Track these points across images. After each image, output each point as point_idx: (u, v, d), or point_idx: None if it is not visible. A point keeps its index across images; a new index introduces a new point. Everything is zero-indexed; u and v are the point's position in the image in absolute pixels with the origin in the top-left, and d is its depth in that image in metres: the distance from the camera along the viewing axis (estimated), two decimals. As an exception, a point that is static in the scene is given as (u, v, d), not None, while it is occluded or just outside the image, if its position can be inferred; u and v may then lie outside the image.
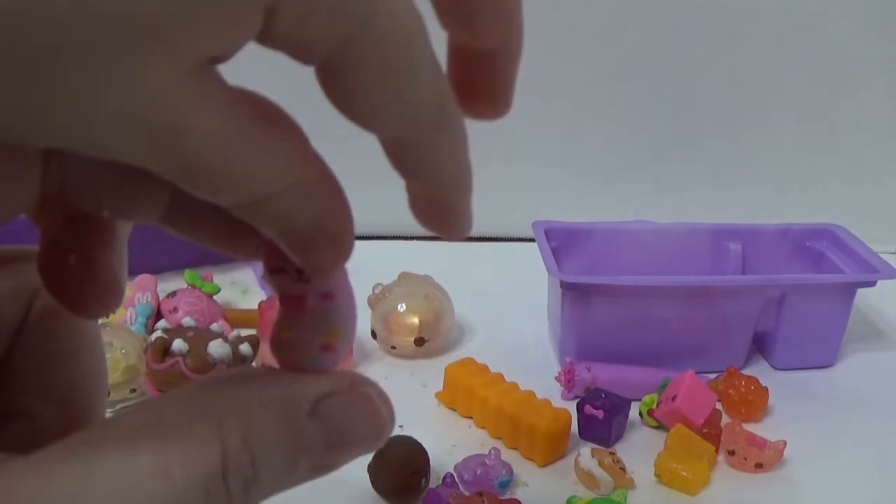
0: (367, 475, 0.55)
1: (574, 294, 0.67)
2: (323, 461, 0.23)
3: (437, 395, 0.66)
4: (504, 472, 0.57)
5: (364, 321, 0.72)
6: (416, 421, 0.63)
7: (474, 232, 0.94)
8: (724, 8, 0.88)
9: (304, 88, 0.90)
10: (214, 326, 0.64)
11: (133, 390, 0.64)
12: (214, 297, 0.74)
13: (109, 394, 0.63)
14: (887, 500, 0.58)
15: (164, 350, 0.60)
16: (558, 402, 0.64)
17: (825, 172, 0.94)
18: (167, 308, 0.72)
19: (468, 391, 0.63)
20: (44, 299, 0.25)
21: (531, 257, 0.72)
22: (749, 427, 0.61)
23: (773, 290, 0.68)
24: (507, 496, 0.55)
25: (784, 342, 0.70)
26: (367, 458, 0.55)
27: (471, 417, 0.64)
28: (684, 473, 0.57)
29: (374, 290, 0.74)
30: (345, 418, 0.23)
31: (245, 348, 0.62)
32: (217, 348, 0.60)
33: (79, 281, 0.23)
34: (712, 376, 0.67)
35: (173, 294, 0.73)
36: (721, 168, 0.95)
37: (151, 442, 0.19)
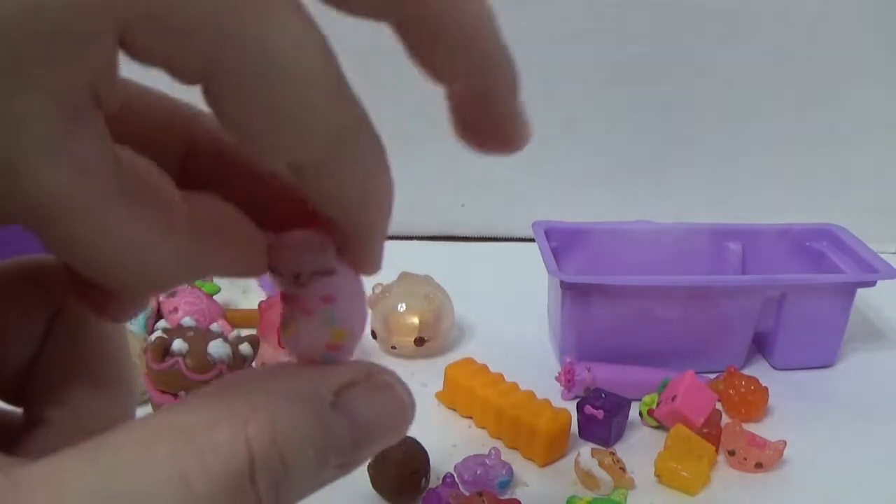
0: (367, 475, 0.55)
1: (574, 294, 0.67)
2: (351, 456, 0.22)
3: (437, 395, 0.66)
4: (504, 472, 0.57)
5: (364, 321, 0.72)
6: (416, 421, 0.63)
7: (474, 232, 0.95)
8: (724, 9, 0.88)
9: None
10: (214, 326, 0.64)
11: (133, 390, 0.64)
12: (214, 297, 0.74)
13: (109, 394, 0.63)
14: (887, 500, 0.58)
15: (164, 350, 0.60)
16: (558, 402, 0.64)
17: (825, 172, 0.94)
18: (167, 308, 0.72)
19: (468, 391, 0.63)
20: (69, 307, 0.24)
21: (531, 257, 0.72)
22: (749, 427, 0.61)
23: (773, 290, 0.68)
24: (507, 496, 0.55)
25: (784, 342, 0.70)
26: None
27: (471, 417, 0.64)
28: (684, 473, 0.57)
29: (374, 290, 0.74)
30: (368, 408, 0.22)
31: (245, 348, 0.62)
32: (217, 348, 0.60)
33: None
34: (712, 376, 0.67)
35: (173, 294, 0.73)
36: (721, 168, 0.95)
37: (170, 446, 0.18)
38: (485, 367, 0.65)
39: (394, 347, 0.72)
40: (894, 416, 0.66)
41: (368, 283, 0.77)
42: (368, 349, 0.73)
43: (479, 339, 0.76)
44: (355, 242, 0.24)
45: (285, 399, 0.20)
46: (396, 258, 0.80)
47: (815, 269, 0.76)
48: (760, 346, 0.73)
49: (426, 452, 0.55)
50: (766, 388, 0.65)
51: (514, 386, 0.63)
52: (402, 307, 0.72)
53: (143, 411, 0.64)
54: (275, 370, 0.23)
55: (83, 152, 0.17)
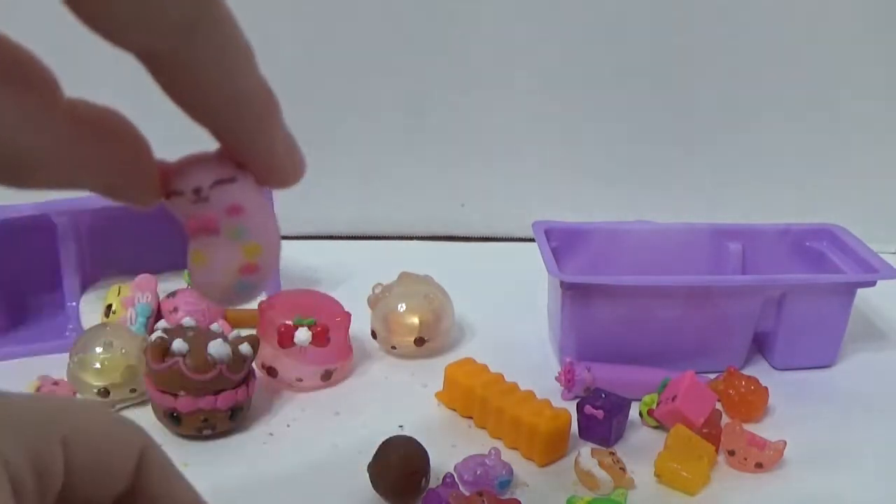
0: (367, 475, 0.55)
1: (574, 294, 0.67)
2: None
3: (437, 395, 0.66)
4: (504, 472, 0.57)
5: (364, 321, 0.72)
6: (416, 421, 0.63)
7: (474, 232, 0.95)
8: (724, 8, 0.88)
9: (307, 95, 0.90)
10: (214, 326, 0.64)
11: (133, 390, 0.64)
12: (214, 297, 0.74)
13: (109, 394, 0.63)
14: (887, 500, 0.58)
15: (164, 350, 0.60)
16: (558, 402, 0.64)
17: (825, 172, 0.94)
18: (167, 308, 0.72)
19: (468, 391, 0.63)
20: (153, 451, 0.28)
21: (531, 257, 0.72)
22: (749, 427, 0.61)
23: (773, 290, 0.68)
24: (507, 496, 0.55)
25: (784, 342, 0.70)
26: (368, 458, 0.55)
27: (471, 417, 0.64)
28: (684, 473, 0.57)
29: (374, 290, 0.74)
30: None
31: (245, 348, 0.62)
32: (217, 348, 0.60)
33: None
34: (712, 376, 0.67)
35: (173, 294, 0.73)
36: (721, 168, 0.95)
37: None
38: (485, 367, 0.65)
39: (394, 347, 0.72)
40: (894, 416, 0.66)
41: (368, 282, 0.78)
42: (368, 349, 0.73)
43: (479, 339, 0.76)
44: (242, 148, 0.24)
45: None
46: (396, 258, 0.81)
47: (815, 269, 0.76)
48: (760, 346, 0.73)
49: (426, 452, 0.55)
50: (766, 388, 0.65)
51: (514, 386, 0.63)
52: (402, 307, 0.72)
53: (143, 411, 0.64)
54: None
55: None
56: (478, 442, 0.61)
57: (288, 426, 0.63)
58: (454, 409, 0.65)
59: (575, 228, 0.76)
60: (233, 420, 0.61)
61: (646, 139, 0.94)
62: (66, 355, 0.64)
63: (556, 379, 0.67)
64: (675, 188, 0.95)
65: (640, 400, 0.64)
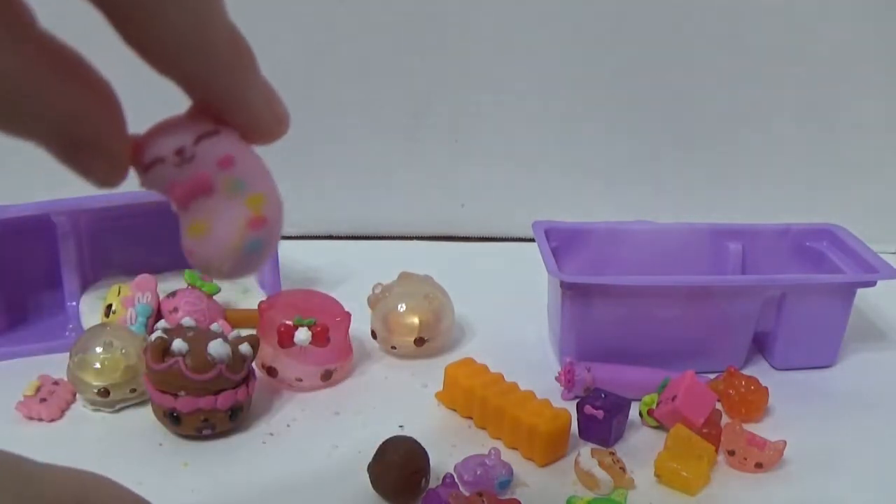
0: (367, 475, 0.55)
1: (574, 294, 0.67)
2: None
3: (437, 395, 0.66)
4: (504, 472, 0.57)
5: (364, 321, 0.72)
6: (416, 421, 0.63)
7: (474, 232, 0.95)
8: (724, 8, 0.88)
9: (307, 95, 0.90)
10: (214, 326, 0.64)
11: (133, 390, 0.64)
12: (214, 297, 0.74)
13: (109, 394, 0.63)
14: (887, 500, 0.58)
15: (164, 350, 0.60)
16: (558, 402, 0.64)
17: (825, 172, 0.94)
18: (167, 308, 0.72)
19: (468, 391, 0.63)
20: None
21: (531, 257, 0.72)
22: (749, 427, 0.61)
23: (773, 290, 0.68)
24: (507, 496, 0.55)
25: (784, 342, 0.70)
26: (368, 458, 0.55)
27: (471, 417, 0.64)
28: (684, 473, 0.57)
29: (374, 290, 0.74)
30: None
31: (245, 348, 0.62)
32: (217, 348, 0.60)
33: None
34: (712, 376, 0.67)
35: (173, 294, 0.73)
36: (721, 168, 0.95)
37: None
38: (485, 367, 0.65)
39: (394, 347, 0.72)
40: (894, 416, 0.66)
41: (368, 283, 0.78)
42: (368, 349, 0.73)
43: (479, 339, 0.76)
44: (216, 100, 0.22)
45: None
46: (396, 258, 0.81)
47: (815, 269, 0.76)
48: (760, 346, 0.73)
49: (426, 452, 0.55)
50: (766, 388, 0.65)
51: (514, 386, 0.63)
52: (402, 307, 0.72)
53: (143, 411, 0.64)
54: None
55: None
56: (478, 442, 0.61)
57: (288, 426, 0.63)
58: (454, 409, 0.65)
59: (575, 228, 0.76)
60: (233, 420, 0.61)
61: (646, 139, 0.94)
62: (66, 355, 0.64)
63: (556, 379, 0.67)
64: (675, 188, 0.95)
65: (640, 400, 0.64)
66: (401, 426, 0.63)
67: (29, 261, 0.75)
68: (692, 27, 0.89)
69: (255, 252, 0.22)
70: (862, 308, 0.80)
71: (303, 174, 0.94)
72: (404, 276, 0.75)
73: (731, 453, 0.59)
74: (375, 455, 0.55)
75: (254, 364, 0.65)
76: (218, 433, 0.61)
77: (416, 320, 0.71)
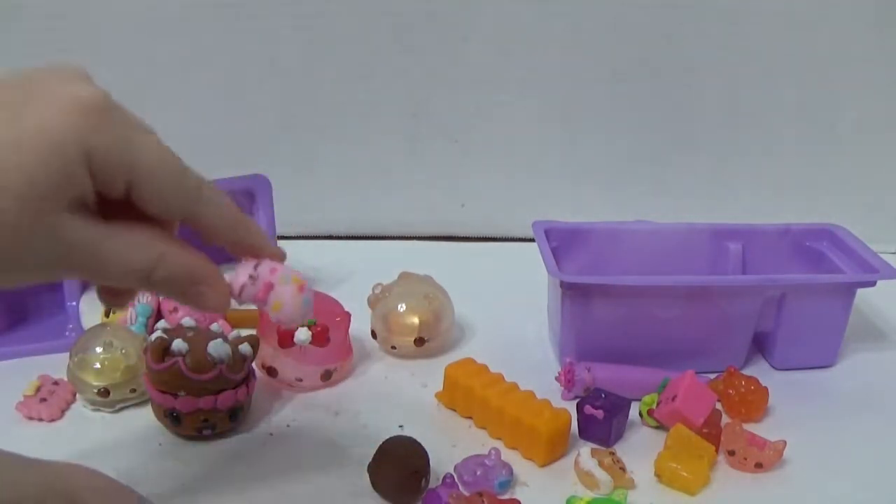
0: (367, 475, 0.55)
1: (574, 294, 0.67)
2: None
3: (437, 395, 0.66)
4: (504, 472, 0.57)
5: (364, 321, 0.72)
6: (416, 421, 0.63)
7: (474, 232, 0.95)
8: (724, 9, 0.88)
9: (307, 95, 0.90)
10: (214, 326, 0.64)
11: (133, 390, 0.64)
12: (214, 297, 0.74)
13: (109, 394, 0.63)
14: (887, 500, 0.58)
15: (164, 350, 0.60)
16: (558, 402, 0.64)
17: (825, 172, 0.94)
18: (167, 308, 0.72)
19: (468, 391, 0.63)
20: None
21: (531, 257, 0.72)
22: (749, 427, 0.61)
23: (773, 290, 0.68)
24: (507, 496, 0.55)
25: (784, 342, 0.70)
26: (368, 458, 0.55)
27: (471, 417, 0.64)
28: (684, 473, 0.57)
29: (374, 290, 0.74)
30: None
31: (245, 348, 0.62)
32: (217, 348, 0.60)
33: None
34: (712, 376, 0.67)
35: (173, 294, 0.73)
36: (721, 168, 0.95)
37: None
38: (485, 367, 0.65)
39: (394, 347, 0.72)
40: (894, 416, 0.66)
41: (368, 283, 0.77)
42: (369, 349, 0.73)
43: (479, 339, 0.76)
44: (250, 248, 0.43)
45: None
46: (396, 258, 0.81)
47: (815, 269, 0.76)
48: (760, 346, 0.73)
49: (426, 452, 0.55)
50: (766, 388, 0.65)
51: (514, 386, 0.63)
52: (402, 307, 0.72)
53: (143, 411, 0.64)
54: None
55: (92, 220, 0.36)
56: (478, 442, 0.61)
57: (288, 426, 0.63)
58: (454, 409, 0.65)
59: (575, 228, 0.76)
60: (233, 420, 0.61)
61: (645, 139, 0.94)
62: (66, 355, 0.64)
63: (556, 379, 0.67)
64: (675, 188, 0.95)
65: (640, 400, 0.64)
66: (401, 426, 0.63)
67: (29, 261, 0.75)
68: (692, 27, 0.89)
69: (308, 304, 0.44)
70: (862, 308, 0.80)
71: (303, 174, 0.94)
72: (404, 276, 0.75)
73: (731, 453, 0.59)
74: (375, 455, 0.55)
75: (254, 364, 0.65)
76: (218, 433, 0.61)
77: (416, 320, 0.71)
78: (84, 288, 0.76)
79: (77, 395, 0.65)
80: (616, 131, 0.94)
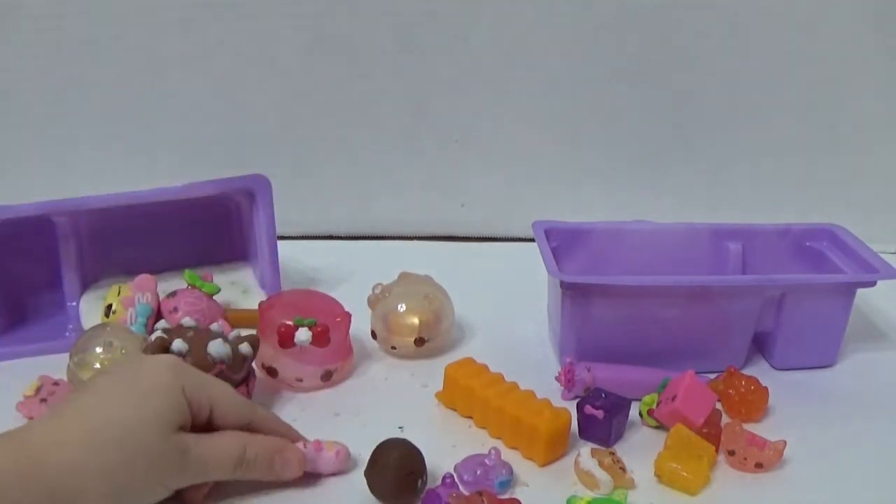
0: (363, 479, 0.55)
1: (574, 294, 0.67)
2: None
3: (437, 395, 0.66)
4: (504, 472, 0.57)
5: (364, 321, 0.72)
6: (416, 421, 0.63)
7: (474, 232, 0.96)
8: (724, 8, 0.88)
9: (308, 95, 0.90)
10: (214, 326, 0.64)
11: (133, 390, 0.64)
12: (214, 297, 0.74)
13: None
14: (887, 500, 0.58)
15: (164, 350, 0.60)
16: (558, 402, 0.64)
17: (825, 172, 0.94)
18: (167, 308, 0.72)
19: (468, 391, 0.63)
20: (258, 412, 0.57)
21: (531, 257, 0.72)
22: (749, 427, 0.61)
23: (773, 290, 0.68)
24: (507, 496, 0.55)
25: (784, 342, 0.70)
26: (364, 463, 0.56)
27: (471, 417, 0.64)
28: (684, 473, 0.57)
29: (374, 290, 0.74)
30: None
31: (245, 348, 0.62)
32: (217, 348, 0.60)
33: None
34: (712, 376, 0.67)
35: (173, 294, 0.73)
36: (721, 168, 0.95)
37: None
38: (485, 367, 0.65)
39: (394, 347, 0.72)
40: (894, 416, 0.66)
41: (368, 282, 0.77)
42: (369, 349, 0.73)
43: (479, 339, 0.76)
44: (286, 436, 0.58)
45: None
46: (396, 258, 0.81)
47: (815, 269, 0.76)
48: (760, 346, 0.73)
49: (420, 453, 0.55)
50: (766, 388, 0.65)
51: (514, 386, 0.63)
52: (402, 307, 0.72)
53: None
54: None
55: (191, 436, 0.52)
56: (478, 442, 0.61)
57: (288, 426, 0.63)
58: (454, 409, 0.65)
59: (575, 228, 0.76)
60: (233, 420, 0.61)
61: (646, 139, 0.94)
62: (66, 355, 0.64)
63: (556, 379, 0.67)
64: (675, 188, 0.95)
65: (640, 400, 0.64)
66: (401, 427, 0.63)
67: (29, 261, 0.75)
68: (692, 27, 0.89)
69: (347, 457, 0.59)
70: (862, 308, 0.80)
71: (303, 174, 0.95)
72: (404, 276, 0.75)
73: (731, 453, 0.59)
74: (371, 459, 0.55)
75: (254, 364, 0.65)
76: (218, 433, 0.61)
77: (416, 320, 0.71)
78: (84, 288, 0.76)
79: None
80: (616, 131, 0.94)
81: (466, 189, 0.96)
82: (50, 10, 0.87)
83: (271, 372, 0.67)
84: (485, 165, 0.95)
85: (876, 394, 0.69)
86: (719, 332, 0.69)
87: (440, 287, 0.74)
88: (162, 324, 0.64)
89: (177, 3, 0.87)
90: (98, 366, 0.63)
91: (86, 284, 0.76)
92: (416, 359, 0.72)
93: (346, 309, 0.70)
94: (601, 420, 0.61)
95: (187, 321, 0.64)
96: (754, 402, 0.64)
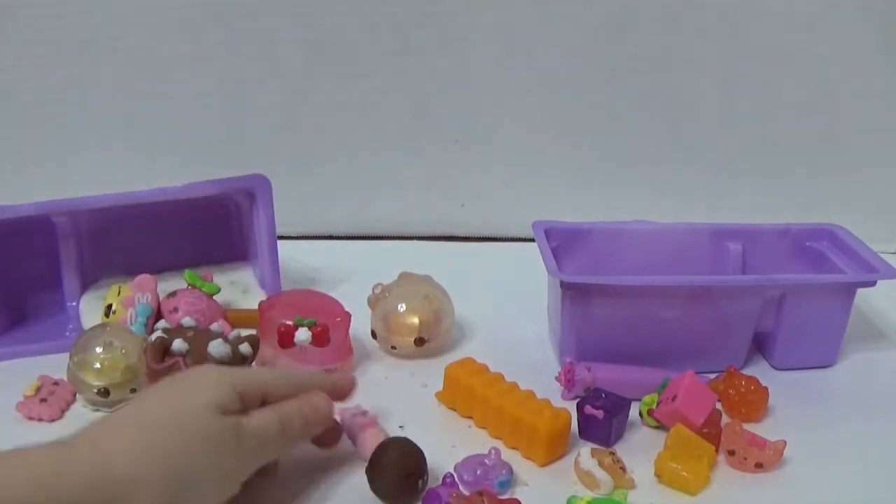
0: (364, 478, 0.55)
1: (574, 294, 0.67)
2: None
3: (437, 395, 0.66)
4: (504, 471, 0.57)
5: (364, 321, 0.72)
6: (416, 421, 0.63)
7: (474, 232, 0.96)
8: (724, 8, 0.88)
9: (308, 95, 0.90)
10: (214, 326, 0.64)
11: (133, 390, 0.64)
12: (214, 297, 0.74)
13: (109, 394, 0.63)
14: (887, 500, 0.58)
15: (164, 350, 0.60)
16: (558, 402, 0.64)
17: (825, 172, 0.94)
18: (167, 308, 0.72)
19: (468, 391, 0.63)
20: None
21: (531, 257, 0.72)
22: (749, 427, 0.61)
23: (773, 290, 0.68)
24: (507, 496, 0.55)
25: (784, 342, 0.70)
26: (365, 462, 0.56)
27: (471, 417, 0.64)
28: (684, 473, 0.57)
29: (374, 290, 0.74)
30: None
31: (245, 348, 0.62)
32: (217, 348, 0.60)
33: None
34: (712, 376, 0.67)
35: (173, 294, 0.73)
36: (721, 168, 0.95)
37: None
38: (485, 367, 0.65)
39: (394, 347, 0.72)
40: (894, 416, 0.66)
41: (369, 282, 0.77)
42: (369, 349, 0.73)
43: (479, 339, 0.76)
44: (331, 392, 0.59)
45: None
46: (396, 258, 0.81)
47: (815, 269, 0.76)
48: (760, 346, 0.73)
49: (422, 453, 0.55)
50: (766, 388, 0.65)
51: (514, 386, 0.63)
52: (402, 307, 0.72)
53: (143, 411, 0.63)
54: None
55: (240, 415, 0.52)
56: (478, 442, 0.61)
57: (288, 426, 0.63)
58: (454, 409, 0.65)
59: (575, 228, 0.76)
60: (233, 420, 0.61)
61: (646, 139, 0.94)
62: (66, 355, 0.64)
63: (556, 379, 0.67)
64: (675, 188, 0.95)
65: (640, 400, 0.64)
66: (401, 426, 0.63)
67: (29, 261, 0.75)
68: (692, 27, 0.89)
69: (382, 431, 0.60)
70: (862, 308, 0.80)
71: (303, 174, 0.95)
72: (404, 276, 0.75)
73: (731, 453, 0.59)
74: (372, 458, 0.55)
75: (254, 364, 0.65)
76: (218, 433, 0.61)
77: (416, 320, 0.71)
78: (84, 288, 0.76)
79: (77, 395, 0.65)
80: (616, 131, 0.94)
81: (466, 189, 0.96)
82: (50, 10, 0.87)
83: (271, 372, 0.67)
84: (485, 165, 0.95)
85: (876, 394, 0.69)
86: (719, 332, 0.69)
87: (440, 287, 0.74)
88: (162, 324, 0.64)
89: (177, 3, 0.87)
90: (98, 366, 0.63)
91: (86, 284, 0.76)
92: (416, 359, 0.72)
93: (346, 309, 0.70)
94: (601, 420, 0.61)
95: (187, 321, 0.64)
96: (754, 402, 0.64)
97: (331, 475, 0.58)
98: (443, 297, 0.74)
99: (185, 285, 0.74)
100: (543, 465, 0.59)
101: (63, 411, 0.64)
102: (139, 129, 0.92)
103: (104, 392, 0.63)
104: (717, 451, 0.59)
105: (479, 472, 0.56)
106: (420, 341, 0.71)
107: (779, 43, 0.89)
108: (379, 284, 0.74)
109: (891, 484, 0.59)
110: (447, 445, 0.61)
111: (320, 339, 0.66)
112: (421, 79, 0.91)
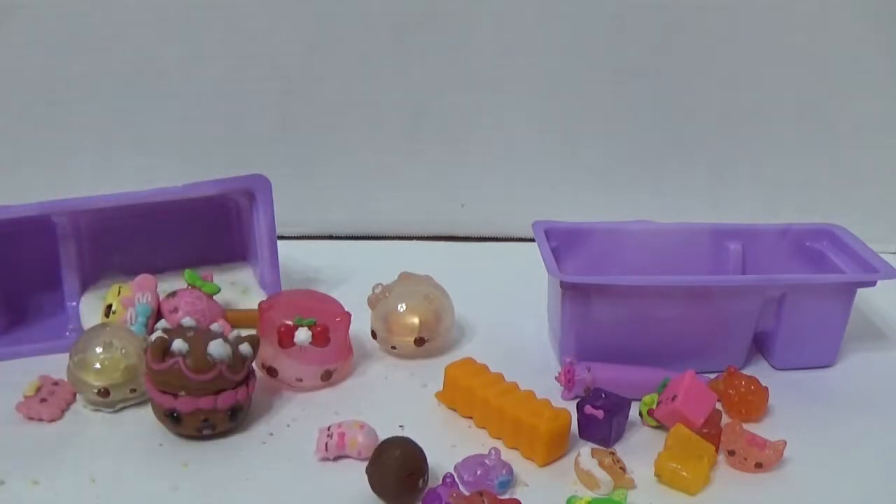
0: (365, 477, 0.55)
1: (574, 294, 0.67)
2: None
3: (437, 395, 0.66)
4: (504, 471, 0.57)
5: (364, 321, 0.72)
6: (416, 421, 0.63)
7: (474, 232, 0.96)
8: (723, 8, 0.88)
9: (308, 95, 0.90)
10: (214, 326, 0.64)
11: (133, 390, 0.64)
12: (214, 297, 0.74)
13: (109, 394, 0.63)
14: (887, 500, 0.58)
15: (164, 350, 0.60)
16: (558, 402, 0.64)
17: (825, 172, 0.94)
18: (167, 308, 0.72)
19: (468, 391, 0.63)
20: None
21: (531, 257, 0.72)
22: (749, 427, 0.61)
23: (773, 290, 0.68)
24: (507, 496, 0.55)
25: (784, 342, 0.70)
26: (366, 461, 0.56)
27: (471, 417, 0.64)
28: (684, 473, 0.57)
29: (374, 290, 0.74)
30: None
31: (245, 348, 0.62)
32: (217, 348, 0.60)
33: None
34: (712, 376, 0.67)
35: (173, 294, 0.73)
36: (721, 168, 0.95)
37: None
38: (485, 367, 0.65)
39: (394, 347, 0.72)
40: (894, 416, 0.66)
41: (369, 283, 0.77)
42: (369, 349, 0.73)
43: (479, 339, 0.76)
44: None
45: None
46: (396, 258, 0.81)
47: (815, 269, 0.76)
48: (760, 346, 0.73)
49: (423, 453, 0.55)
50: (766, 388, 0.65)
51: (514, 386, 0.63)
52: (402, 307, 0.72)
53: (143, 411, 0.64)
54: None
55: None
56: (478, 442, 0.61)
57: (288, 426, 0.63)
58: (454, 409, 0.65)
59: (575, 228, 0.76)
60: (233, 420, 0.61)
61: (645, 139, 0.94)
62: (66, 355, 0.64)
63: (556, 379, 0.67)
64: (675, 188, 0.95)
65: (640, 400, 0.64)
66: (401, 426, 0.63)
67: (29, 261, 0.75)
68: (692, 27, 0.89)
69: (373, 433, 0.58)
70: (862, 308, 0.80)
71: (303, 174, 0.94)
72: (404, 276, 0.75)
73: (731, 453, 0.59)
74: (372, 458, 0.55)
75: (254, 364, 0.65)
76: (218, 433, 0.61)
77: (416, 320, 0.71)
78: (84, 288, 0.76)
79: (77, 395, 0.65)
80: (616, 131, 0.94)
81: (466, 189, 0.96)
82: (50, 10, 0.87)
83: (271, 372, 0.67)
84: (485, 165, 0.95)
85: (876, 394, 0.69)
86: (719, 332, 0.69)
87: (440, 287, 0.74)
88: (162, 324, 0.64)
89: (177, 3, 0.87)
90: (98, 366, 0.63)
91: (86, 284, 0.76)
92: (416, 359, 0.72)
93: (346, 309, 0.70)
94: (601, 420, 0.61)
95: (187, 321, 0.64)
96: (754, 402, 0.64)
97: (332, 472, 0.58)
98: (443, 297, 0.74)
99: (185, 285, 0.74)
100: (543, 465, 0.59)
101: (63, 411, 0.64)
102: (139, 129, 0.92)
103: (104, 392, 0.63)
104: (717, 451, 0.59)
105: (479, 472, 0.56)
106: (420, 341, 0.71)
107: (779, 43, 0.89)
108: (379, 284, 0.74)
109: (891, 484, 0.59)
110: (447, 445, 0.61)
111: (320, 339, 0.66)
112: (421, 79, 0.91)
